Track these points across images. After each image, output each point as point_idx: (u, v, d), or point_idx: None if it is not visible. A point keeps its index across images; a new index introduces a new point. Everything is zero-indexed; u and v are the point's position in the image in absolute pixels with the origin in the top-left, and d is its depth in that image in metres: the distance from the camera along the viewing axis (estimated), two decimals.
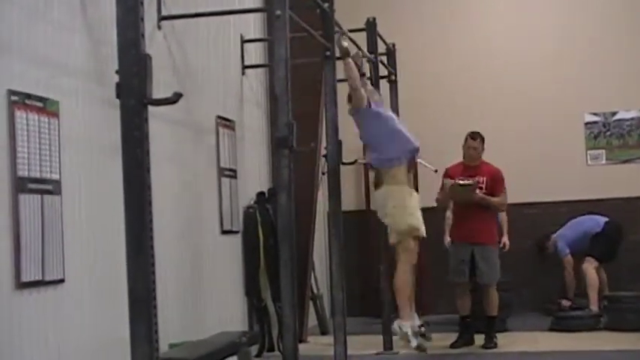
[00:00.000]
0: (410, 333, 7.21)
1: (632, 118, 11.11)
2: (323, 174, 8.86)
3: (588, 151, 11.11)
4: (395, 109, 9.67)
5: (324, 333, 9.57)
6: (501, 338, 8.78)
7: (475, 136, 8.78)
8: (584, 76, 11.13)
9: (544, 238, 10.46)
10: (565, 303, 10.00)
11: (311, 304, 9.70)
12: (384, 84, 9.14)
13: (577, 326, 9.14)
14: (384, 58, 9.41)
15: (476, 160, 8.76)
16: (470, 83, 11.39)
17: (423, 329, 7.42)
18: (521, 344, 8.59)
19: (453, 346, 8.54)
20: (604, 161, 11.06)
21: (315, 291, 9.84)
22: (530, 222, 10.83)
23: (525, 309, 10.25)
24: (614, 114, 11.12)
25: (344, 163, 6.86)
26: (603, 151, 11.11)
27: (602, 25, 11.29)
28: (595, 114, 11.15)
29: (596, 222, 10.06)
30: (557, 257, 10.30)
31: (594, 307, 9.59)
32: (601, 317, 9.36)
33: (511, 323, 9.60)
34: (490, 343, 8.46)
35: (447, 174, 8.77)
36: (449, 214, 9.25)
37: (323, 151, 8.49)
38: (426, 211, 10.93)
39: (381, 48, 9.20)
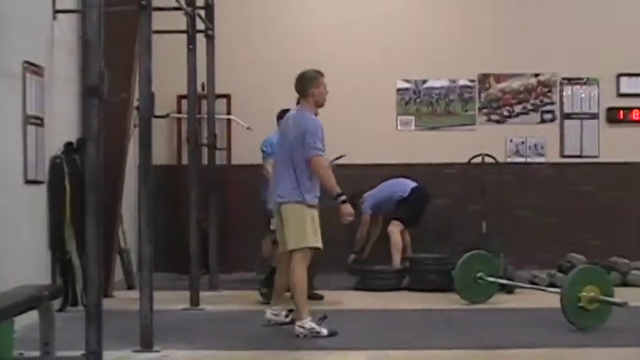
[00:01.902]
0: (315, 326, 6.94)
1: (441, 87, 11.53)
2: (135, 126, 8.68)
3: (399, 117, 11.41)
4: (210, 65, 9.61)
5: (130, 288, 9.45)
6: None
7: None
8: (398, 44, 11.42)
9: (356, 195, 10.60)
10: (350, 257, 10.31)
11: (118, 258, 9.54)
12: (200, 38, 9.03)
13: (381, 286, 9.43)
14: (203, 12, 9.29)
15: None
16: (289, 44, 11.42)
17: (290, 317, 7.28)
18: (325, 303, 8.75)
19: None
20: (413, 127, 11.40)
21: (122, 245, 9.67)
22: (342, 183, 10.97)
23: (331, 268, 10.45)
24: (424, 82, 11.48)
25: (156, 116, 6.74)
26: (413, 117, 11.46)
27: None
28: (407, 81, 11.47)
29: (404, 187, 10.38)
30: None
31: (396, 268, 9.93)
32: (403, 278, 9.69)
33: (317, 282, 9.77)
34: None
35: None
36: None
37: (135, 103, 8.33)
38: (238, 168, 11.06)
39: (200, 1, 9.07)
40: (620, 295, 8.04)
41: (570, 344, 6.65)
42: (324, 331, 6.88)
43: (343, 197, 7.10)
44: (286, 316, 7.35)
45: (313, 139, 7.03)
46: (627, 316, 7.39)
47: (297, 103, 7.57)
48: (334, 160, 7.94)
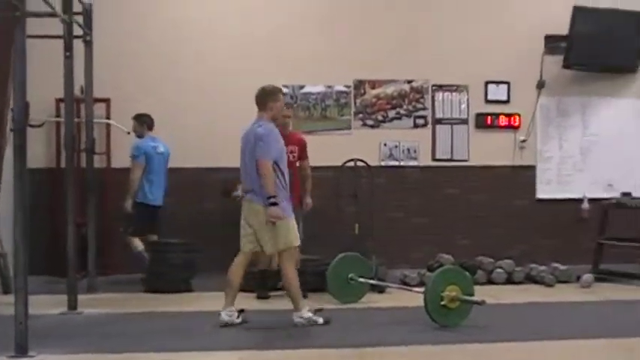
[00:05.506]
0: (312, 316, 7.68)
1: (317, 93, 11.83)
2: (11, 130, 8.66)
3: None
4: (89, 70, 9.66)
5: (7, 292, 9.38)
6: (186, 298, 9.22)
7: (289, 106, 9.35)
8: (277, 50, 11.67)
9: (230, 185, 10.68)
10: None
11: None
12: (78, 44, 9.05)
13: (259, 286, 9.58)
14: (80, 18, 9.32)
15: (288, 128, 9.46)
16: (169, 48, 11.56)
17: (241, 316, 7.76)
18: (206, 304, 8.89)
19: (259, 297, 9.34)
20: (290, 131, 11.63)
21: None
22: (219, 186, 11.23)
23: (211, 269, 10.63)
24: (301, 87, 11.76)
25: (31, 126, 6.76)
26: (289, 121, 11.66)
27: (294, 5, 11.91)
28: (285, 86, 11.67)
29: None
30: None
31: (274, 269, 10.14)
32: (280, 279, 9.85)
33: (196, 284, 9.97)
34: None
35: None
36: None
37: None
38: (117, 171, 11.10)
39: (77, 7, 9.10)
40: (485, 292, 8.57)
41: (432, 341, 7.00)
42: (320, 320, 7.64)
43: (272, 200, 7.54)
44: (238, 317, 7.72)
45: (266, 143, 7.59)
46: (486, 314, 7.82)
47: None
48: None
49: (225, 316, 7.68)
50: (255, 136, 7.67)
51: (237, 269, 7.84)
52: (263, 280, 9.43)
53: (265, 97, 7.85)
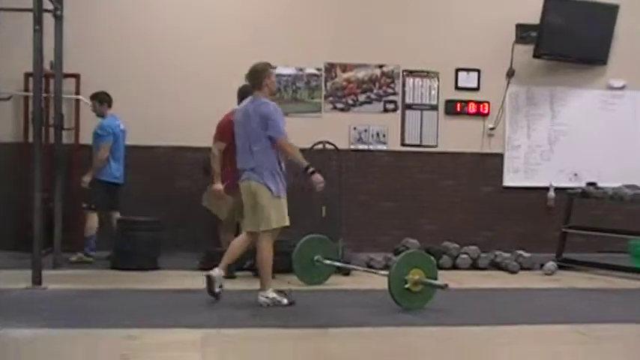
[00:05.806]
0: (276, 296, 7.71)
1: (288, 75, 11.85)
2: None
3: None
4: (59, 45, 9.61)
5: None
6: (152, 276, 9.20)
7: None
8: (248, 32, 11.65)
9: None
10: None
11: None
12: (48, 18, 8.99)
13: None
14: None
15: None
16: (140, 24, 11.51)
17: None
18: (170, 282, 8.94)
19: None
20: None
21: None
22: (187, 165, 11.25)
23: (175, 248, 10.67)
24: (273, 69, 11.72)
25: None
26: None
27: None
28: None
29: None
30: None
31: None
32: (247, 259, 9.90)
33: (161, 262, 9.98)
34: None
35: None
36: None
37: None
38: (85, 148, 11.05)
39: None
40: (449, 277, 8.68)
41: (395, 323, 7.11)
42: (285, 301, 7.71)
43: (312, 169, 7.83)
44: (219, 287, 7.86)
45: (276, 121, 7.71)
46: (449, 298, 7.93)
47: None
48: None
49: (215, 273, 7.84)
50: (260, 115, 7.75)
51: (239, 244, 8.06)
52: None
53: (259, 75, 7.95)
